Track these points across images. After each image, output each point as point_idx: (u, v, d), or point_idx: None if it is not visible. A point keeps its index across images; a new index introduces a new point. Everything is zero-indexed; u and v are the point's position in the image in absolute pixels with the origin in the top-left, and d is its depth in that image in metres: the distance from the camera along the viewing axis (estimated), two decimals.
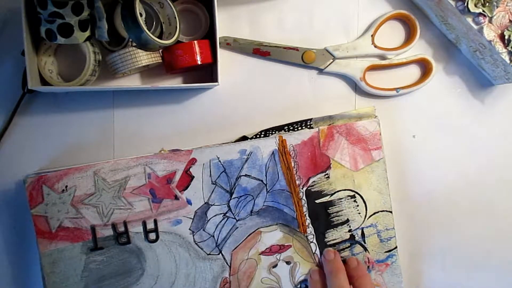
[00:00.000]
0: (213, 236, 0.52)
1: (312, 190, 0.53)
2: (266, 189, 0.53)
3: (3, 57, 0.51)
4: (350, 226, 0.54)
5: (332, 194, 0.54)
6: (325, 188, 0.54)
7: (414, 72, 0.58)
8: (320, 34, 0.56)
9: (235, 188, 0.52)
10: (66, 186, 0.49)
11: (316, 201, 0.53)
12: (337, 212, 0.54)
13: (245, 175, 0.52)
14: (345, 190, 0.54)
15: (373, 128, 0.54)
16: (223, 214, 0.52)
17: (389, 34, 0.57)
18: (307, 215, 0.53)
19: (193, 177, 0.51)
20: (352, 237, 0.54)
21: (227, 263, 0.52)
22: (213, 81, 0.51)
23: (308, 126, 0.55)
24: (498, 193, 0.59)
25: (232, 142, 0.53)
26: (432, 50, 0.57)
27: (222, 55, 0.53)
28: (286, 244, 0.53)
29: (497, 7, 0.50)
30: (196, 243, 0.51)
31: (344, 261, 0.53)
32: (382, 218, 0.55)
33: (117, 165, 0.50)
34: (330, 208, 0.54)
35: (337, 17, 0.56)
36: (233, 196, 0.52)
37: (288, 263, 0.53)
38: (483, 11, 0.50)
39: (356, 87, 0.56)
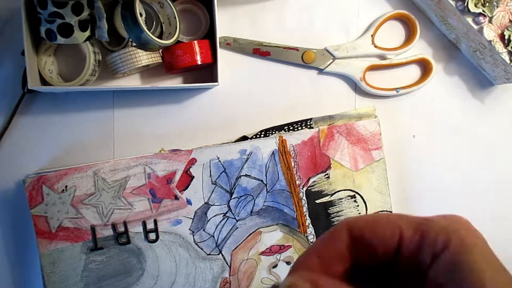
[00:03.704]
0: (213, 236, 0.52)
1: (312, 190, 0.53)
2: (266, 189, 0.53)
3: (3, 57, 0.51)
4: None
5: (332, 194, 0.54)
6: (325, 188, 0.54)
7: (414, 72, 0.58)
8: (320, 34, 0.56)
9: (235, 188, 0.52)
10: (66, 186, 0.49)
11: (316, 201, 0.53)
12: (337, 212, 0.54)
13: (245, 175, 0.52)
14: (345, 190, 0.54)
15: (373, 128, 0.54)
16: (223, 214, 0.52)
17: (389, 34, 0.57)
18: (307, 215, 0.53)
19: (193, 177, 0.51)
20: None
21: (227, 263, 0.52)
22: (213, 81, 0.51)
23: (308, 126, 0.55)
24: (498, 193, 0.59)
25: (232, 142, 0.53)
26: (432, 50, 0.57)
27: (222, 55, 0.53)
28: (286, 244, 0.53)
29: (497, 7, 0.50)
30: (196, 243, 0.51)
31: None
32: None
33: (117, 165, 0.50)
34: (330, 208, 0.54)
35: (337, 17, 0.56)
36: (233, 196, 0.52)
37: (288, 263, 0.53)
38: (483, 11, 0.50)
39: (356, 87, 0.56)
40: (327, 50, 0.55)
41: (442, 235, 0.21)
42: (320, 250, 0.22)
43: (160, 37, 0.50)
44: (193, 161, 0.51)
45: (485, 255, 0.20)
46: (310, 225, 0.53)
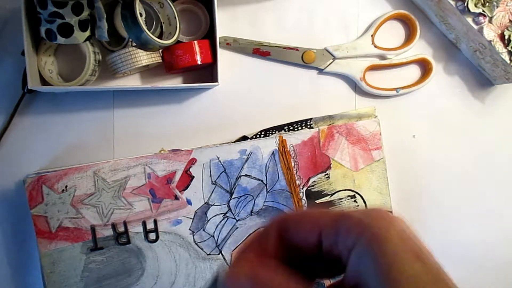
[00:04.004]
0: (213, 236, 0.52)
1: (312, 190, 0.53)
2: (266, 189, 0.53)
3: (3, 57, 0.51)
4: None
5: (332, 194, 0.54)
6: (325, 188, 0.54)
7: (414, 72, 0.58)
8: (320, 34, 0.56)
9: (235, 188, 0.52)
10: (66, 186, 0.49)
11: (317, 201, 0.53)
12: None
13: (245, 175, 0.52)
14: (345, 190, 0.54)
15: (373, 128, 0.54)
16: (223, 214, 0.52)
17: (389, 34, 0.57)
18: None
19: (193, 177, 0.51)
20: None
21: (227, 263, 0.52)
22: (213, 81, 0.51)
23: (308, 126, 0.55)
24: (498, 193, 0.59)
25: (232, 142, 0.53)
26: (432, 50, 0.57)
27: (222, 55, 0.53)
28: None
29: (497, 7, 0.50)
30: (196, 243, 0.51)
31: None
32: None
33: (117, 165, 0.50)
34: (330, 208, 0.54)
35: (337, 17, 0.56)
36: (233, 196, 0.52)
37: None
38: (483, 11, 0.50)
39: (356, 87, 0.56)
40: (327, 50, 0.55)
41: (354, 230, 0.21)
42: (254, 245, 0.24)
43: (160, 37, 0.50)
44: (193, 161, 0.51)
45: (399, 247, 0.20)
46: None
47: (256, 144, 0.52)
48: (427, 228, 0.58)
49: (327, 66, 0.55)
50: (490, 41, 0.50)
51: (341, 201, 0.54)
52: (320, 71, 0.56)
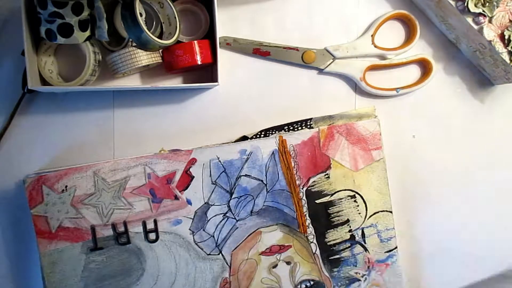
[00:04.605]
0: (213, 236, 0.52)
1: (312, 190, 0.53)
2: (266, 189, 0.53)
3: (3, 57, 0.51)
4: (350, 226, 0.54)
5: (332, 194, 0.54)
6: (325, 188, 0.54)
7: (414, 72, 0.58)
8: (320, 34, 0.56)
9: (235, 188, 0.52)
10: (66, 186, 0.49)
11: (316, 201, 0.53)
12: (337, 212, 0.54)
13: (245, 175, 0.52)
14: (345, 190, 0.54)
15: (373, 128, 0.54)
16: (223, 214, 0.52)
17: (389, 34, 0.57)
18: (307, 215, 0.53)
19: (193, 177, 0.51)
20: (353, 237, 0.54)
21: (227, 263, 0.52)
22: (213, 81, 0.51)
23: (308, 126, 0.55)
24: (498, 193, 0.59)
25: (232, 142, 0.53)
26: (432, 50, 0.57)
27: (222, 55, 0.53)
28: (286, 244, 0.53)
29: (497, 7, 0.50)
30: (196, 243, 0.51)
31: None
32: (382, 218, 0.55)
33: (117, 165, 0.50)
34: (330, 208, 0.54)
35: (337, 17, 0.56)
36: (233, 196, 0.52)
37: (288, 263, 0.53)
38: (483, 11, 0.50)
39: (356, 87, 0.56)
40: (327, 50, 0.55)
41: None
42: None
43: (160, 37, 0.50)
44: (193, 161, 0.51)
45: None
46: (310, 225, 0.53)
47: (256, 144, 0.52)
48: (427, 228, 0.58)
49: (327, 66, 0.55)
50: (490, 41, 0.51)
51: (341, 201, 0.54)
52: (320, 71, 0.56)
